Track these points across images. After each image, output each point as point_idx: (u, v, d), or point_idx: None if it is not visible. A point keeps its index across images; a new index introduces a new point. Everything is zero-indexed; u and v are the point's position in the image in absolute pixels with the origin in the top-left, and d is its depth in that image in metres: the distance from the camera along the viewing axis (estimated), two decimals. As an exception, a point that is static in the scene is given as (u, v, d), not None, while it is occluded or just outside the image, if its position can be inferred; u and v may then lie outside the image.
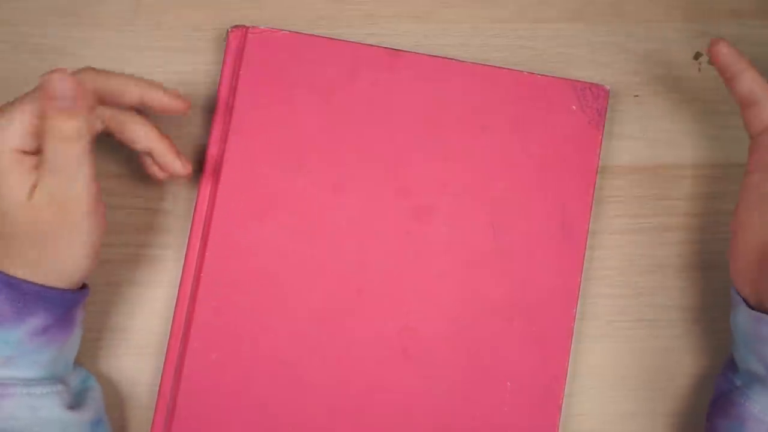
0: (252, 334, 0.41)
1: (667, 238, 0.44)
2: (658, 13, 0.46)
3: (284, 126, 0.42)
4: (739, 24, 0.45)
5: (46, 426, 0.35)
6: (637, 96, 0.45)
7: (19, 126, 0.34)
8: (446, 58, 0.43)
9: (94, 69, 0.38)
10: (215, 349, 0.41)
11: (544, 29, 0.45)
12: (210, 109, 0.44)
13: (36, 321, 0.35)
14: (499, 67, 0.43)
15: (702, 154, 0.45)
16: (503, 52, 0.45)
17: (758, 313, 0.37)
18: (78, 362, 0.40)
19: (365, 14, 0.45)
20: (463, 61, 0.43)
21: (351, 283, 0.42)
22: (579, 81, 0.43)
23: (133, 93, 0.38)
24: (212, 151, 0.42)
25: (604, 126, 0.43)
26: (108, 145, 0.41)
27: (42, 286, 0.35)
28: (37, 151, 0.35)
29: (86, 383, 0.39)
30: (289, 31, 0.43)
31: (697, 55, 0.45)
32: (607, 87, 0.43)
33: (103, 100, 0.38)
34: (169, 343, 0.41)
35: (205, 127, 0.44)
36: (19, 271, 0.35)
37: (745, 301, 0.38)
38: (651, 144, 0.45)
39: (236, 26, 0.43)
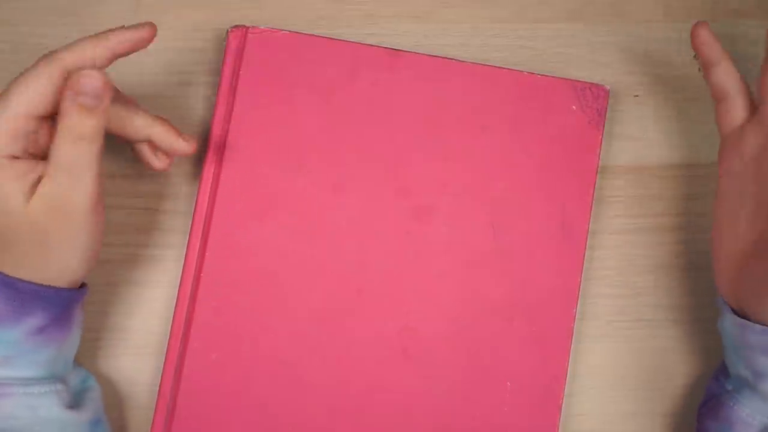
0: (252, 334, 0.41)
1: (666, 238, 0.44)
2: (658, 13, 0.46)
3: (284, 126, 0.42)
4: (739, 24, 0.46)
5: (46, 425, 0.35)
6: (637, 96, 0.45)
7: (5, 131, 0.33)
8: (446, 58, 0.43)
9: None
10: (215, 349, 0.41)
11: (544, 29, 0.45)
12: (210, 109, 0.44)
13: (34, 320, 0.35)
14: (499, 67, 0.43)
15: (702, 154, 0.45)
16: (503, 52, 0.45)
17: (742, 320, 0.37)
18: (78, 362, 0.40)
19: (365, 14, 0.45)
20: (463, 61, 0.43)
21: (351, 283, 0.42)
22: (579, 81, 0.43)
23: (138, 129, 0.38)
24: (212, 150, 0.42)
25: (604, 126, 0.43)
26: (108, 144, 0.41)
27: (39, 285, 0.35)
28: (27, 155, 0.34)
29: (86, 383, 0.39)
30: (289, 31, 0.43)
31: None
32: (607, 87, 0.43)
33: (108, 122, 0.37)
34: (169, 343, 0.41)
35: (204, 127, 0.44)
36: (20, 271, 0.35)
37: (731, 308, 0.38)
38: (651, 144, 0.45)
39: (236, 26, 0.43)
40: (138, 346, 0.43)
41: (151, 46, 0.44)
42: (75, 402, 0.37)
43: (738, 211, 0.37)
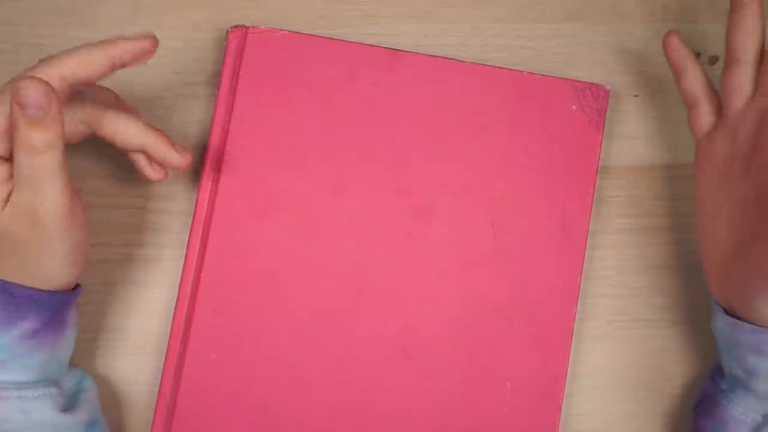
0: (252, 334, 0.41)
1: (666, 237, 0.44)
2: (658, 13, 0.46)
3: (284, 126, 0.42)
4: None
5: (39, 429, 0.35)
6: (637, 96, 0.45)
7: None
8: (446, 58, 0.43)
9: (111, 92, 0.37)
10: (215, 349, 0.41)
11: (544, 29, 0.45)
12: (210, 109, 0.44)
13: (27, 324, 0.35)
14: (499, 67, 0.43)
15: (702, 154, 0.45)
16: (503, 52, 0.45)
17: (733, 319, 0.37)
18: (77, 362, 0.40)
19: (365, 14, 0.45)
20: (463, 61, 0.43)
21: (351, 283, 0.42)
22: (579, 81, 0.43)
23: (132, 138, 0.37)
24: (212, 150, 0.42)
25: (604, 126, 0.43)
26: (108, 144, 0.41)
27: (33, 289, 0.34)
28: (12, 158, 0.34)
29: (81, 384, 0.39)
30: (289, 31, 0.43)
31: (696, 56, 0.45)
32: (607, 87, 0.43)
33: (100, 130, 0.37)
34: (169, 343, 0.41)
35: (204, 127, 0.44)
36: (9, 275, 0.34)
37: (723, 308, 0.38)
38: (651, 144, 0.45)
39: (236, 26, 0.43)
40: (137, 346, 0.43)
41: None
42: (69, 404, 0.37)
43: (716, 214, 0.38)
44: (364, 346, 0.41)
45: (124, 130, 0.37)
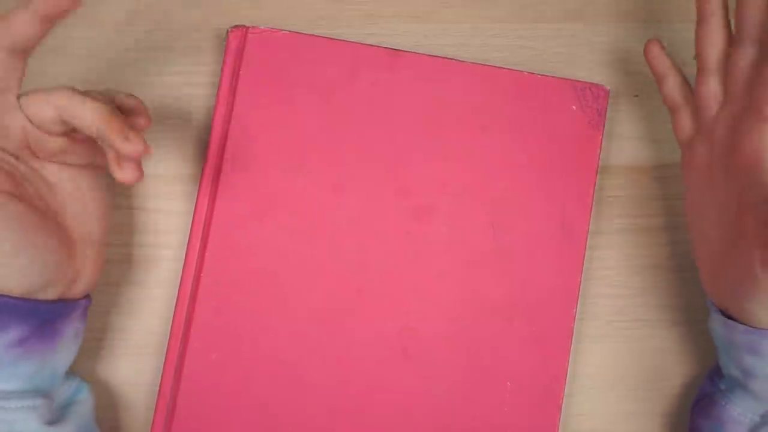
0: (252, 334, 0.41)
1: (666, 238, 0.44)
2: (657, 13, 0.46)
3: (284, 126, 0.42)
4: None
5: None
6: (637, 96, 0.45)
7: None
8: (446, 58, 0.43)
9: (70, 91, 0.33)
10: (215, 349, 0.41)
11: (544, 29, 0.45)
12: (210, 109, 0.44)
13: (11, 333, 0.34)
14: (499, 67, 0.43)
15: (702, 154, 0.45)
16: (503, 52, 0.45)
17: (728, 320, 0.37)
18: (78, 362, 0.40)
19: (365, 14, 0.45)
20: (463, 61, 0.43)
21: (351, 283, 0.42)
22: (579, 81, 0.43)
23: (85, 120, 0.33)
24: (212, 151, 0.42)
25: (604, 126, 0.43)
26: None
27: (14, 297, 0.34)
28: None
29: (77, 395, 0.38)
30: (289, 31, 0.43)
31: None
32: (607, 87, 0.43)
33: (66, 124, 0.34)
34: (169, 343, 0.41)
35: (204, 127, 0.44)
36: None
37: (718, 309, 0.39)
38: (651, 144, 0.45)
39: (236, 26, 0.43)
40: (138, 346, 0.43)
41: (150, 46, 0.44)
42: (58, 417, 0.36)
43: (704, 216, 0.38)
44: (364, 346, 0.41)
45: (82, 114, 0.33)
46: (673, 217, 0.45)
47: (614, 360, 0.44)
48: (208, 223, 0.41)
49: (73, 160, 0.36)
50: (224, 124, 0.42)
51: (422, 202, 0.42)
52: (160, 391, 0.41)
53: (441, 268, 0.42)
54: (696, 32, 0.39)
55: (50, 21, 0.33)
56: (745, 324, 0.37)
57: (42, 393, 0.36)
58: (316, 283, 0.41)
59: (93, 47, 0.44)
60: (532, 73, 0.43)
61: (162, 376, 0.41)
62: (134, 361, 0.43)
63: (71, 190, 0.36)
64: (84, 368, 0.41)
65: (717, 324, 0.39)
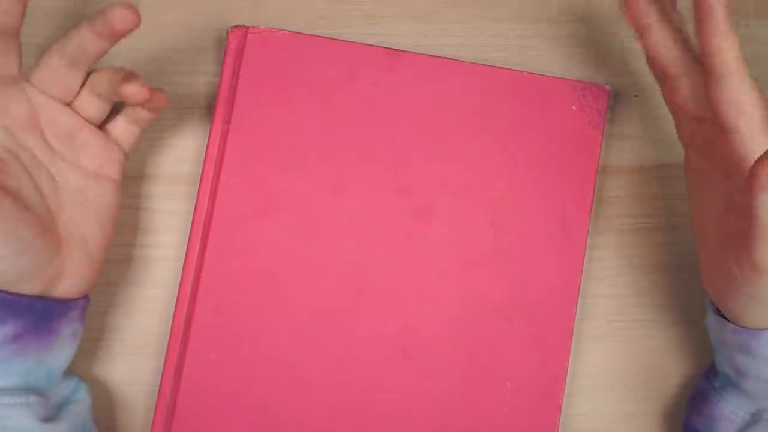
0: (252, 334, 0.41)
1: (666, 238, 0.44)
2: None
3: (284, 126, 0.42)
4: (739, 24, 0.45)
5: None
6: (637, 96, 0.45)
7: None
8: (446, 58, 0.43)
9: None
10: (215, 349, 0.41)
11: (544, 29, 0.45)
12: (210, 109, 0.44)
13: (5, 328, 0.34)
14: (499, 67, 0.43)
15: (702, 154, 0.45)
16: (503, 52, 0.45)
17: (721, 319, 0.38)
18: (77, 362, 0.40)
19: (365, 14, 0.45)
20: (463, 61, 0.43)
21: (351, 283, 0.42)
22: (579, 81, 0.43)
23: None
24: (212, 151, 0.42)
25: (604, 126, 0.43)
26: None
27: (9, 293, 0.34)
28: None
29: (73, 395, 0.38)
30: (289, 31, 0.43)
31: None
32: (607, 87, 0.43)
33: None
34: (169, 343, 0.41)
35: (204, 127, 0.44)
36: None
37: (717, 308, 0.39)
38: (651, 144, 0.45)
39: (236, 26, 0.43)
40: (137, 346, 0.43)
41: (151, 46, 0.44)
42: (53, 415, 0.36)
43: (703, 218, 0.38)
44: (364, 346, 0.41)
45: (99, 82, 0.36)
46: (673, 217, 0.45)
47: (614, 360, 0.44)
48: (208, 223, 0.41)
49: (87, 157, 0.37)
50: (224, 124, 0.42)
51: (422, 202, 0.42)
52: (160, 391, 0.41)
53: (441, 268, 0.42)
54: (696, 32, 0.39)
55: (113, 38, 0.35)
56: (733, 323, 0.37)
57: (37, 391, 0.35)
58: (316, 283, 0.41)
59: (93, 47, 0.44)
60: (532, 73, 0.43)
61: (162, 376, 0.41)
62: (133, 361, 0.42)
63: (74, 192, 0.37)
64: (83, 368, 0.41)
65: (711, 323, 0.39)
